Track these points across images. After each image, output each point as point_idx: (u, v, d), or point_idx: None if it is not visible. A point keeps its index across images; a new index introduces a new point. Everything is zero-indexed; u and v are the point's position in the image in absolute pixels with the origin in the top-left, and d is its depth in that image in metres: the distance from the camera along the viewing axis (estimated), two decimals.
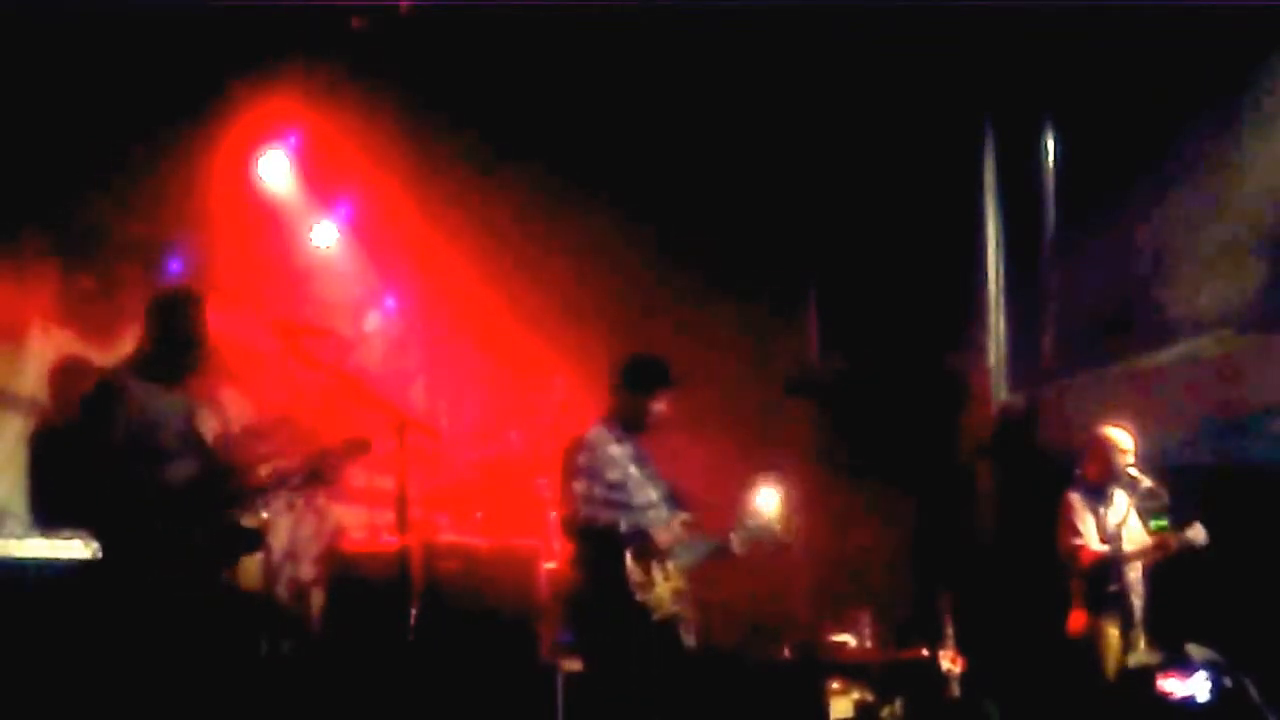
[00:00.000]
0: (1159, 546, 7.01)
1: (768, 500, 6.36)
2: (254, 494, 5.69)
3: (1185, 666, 6.83)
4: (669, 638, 6.03)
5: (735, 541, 6.24)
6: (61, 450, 6.23)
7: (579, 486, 6.02)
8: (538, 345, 9.07)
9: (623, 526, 5.96)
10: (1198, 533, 6.91)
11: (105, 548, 5.32)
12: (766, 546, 6.36)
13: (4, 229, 7.23)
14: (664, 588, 6.00)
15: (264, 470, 5.70)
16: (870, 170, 9.19)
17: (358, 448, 5.65)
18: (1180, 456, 7.72)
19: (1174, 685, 6.80)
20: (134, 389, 5.43)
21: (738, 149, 9.08)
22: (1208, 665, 6.79)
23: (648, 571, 5.95)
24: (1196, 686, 6.77)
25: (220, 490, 5.48)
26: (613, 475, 6.06)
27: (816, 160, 9.29)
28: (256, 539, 5.89)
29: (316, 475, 5.70)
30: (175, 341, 5.57)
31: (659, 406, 6.21)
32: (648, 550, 5.96)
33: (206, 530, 5.37)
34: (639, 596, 5.89)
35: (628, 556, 5.90)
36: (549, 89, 8.67)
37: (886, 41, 8.53)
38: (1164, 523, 7.10)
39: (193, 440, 5.53)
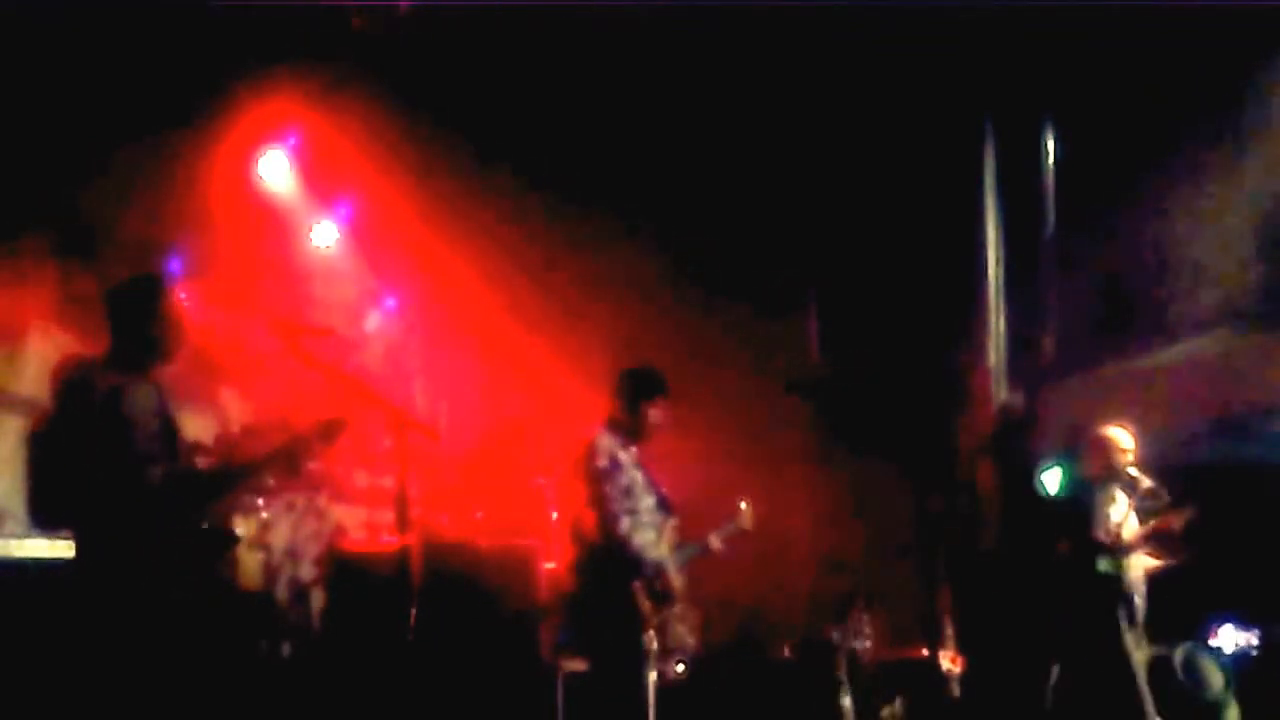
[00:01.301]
0: (1159, 529, 6.97)
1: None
2: (231, 485, 5.62)
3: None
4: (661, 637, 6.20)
5: (713, 541, 6.66)
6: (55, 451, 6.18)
7: (609, 490, 6.10)
8: (538, 346, 9.07)
9: (635, 542, 6.05)
10: (1193, 512, 6.92)
11: (82, 547, 5.22)
12: (737, 538, 6.81)
13: (3, 230, 7.23)
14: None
15: (238, 461, 5.64)
16: (871, 171, 9.19)
17: (332, 429, 5.38)
18: (1180, 456, 7.72)
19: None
20: (106, 385, 5.28)
21: (738, 150, 9.07)
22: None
23: (656, 605, 6.13)
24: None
25: (197, 487, 5.40)
26: (624, 481, 6.16)
27: (817, 161, 9.29)
28: (229, 541, 5.81)
29: (292, 460, 5.46)
30: (137, 333, 5.26)
31: (655, 415, 6.30)
32: (657, 591, 6.10)
33: (182, 531, 5.27)
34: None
35: (639, 590, 6.03)
36: (550, 91, 8.67)
37: (887, 42, 8.53)
38: None
39: (168, 438, 5.43)
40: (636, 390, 6.30)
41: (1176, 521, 6.92)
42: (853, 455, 9.33)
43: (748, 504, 6.87)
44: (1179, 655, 6.83)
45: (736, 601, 8.57)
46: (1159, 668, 6.91)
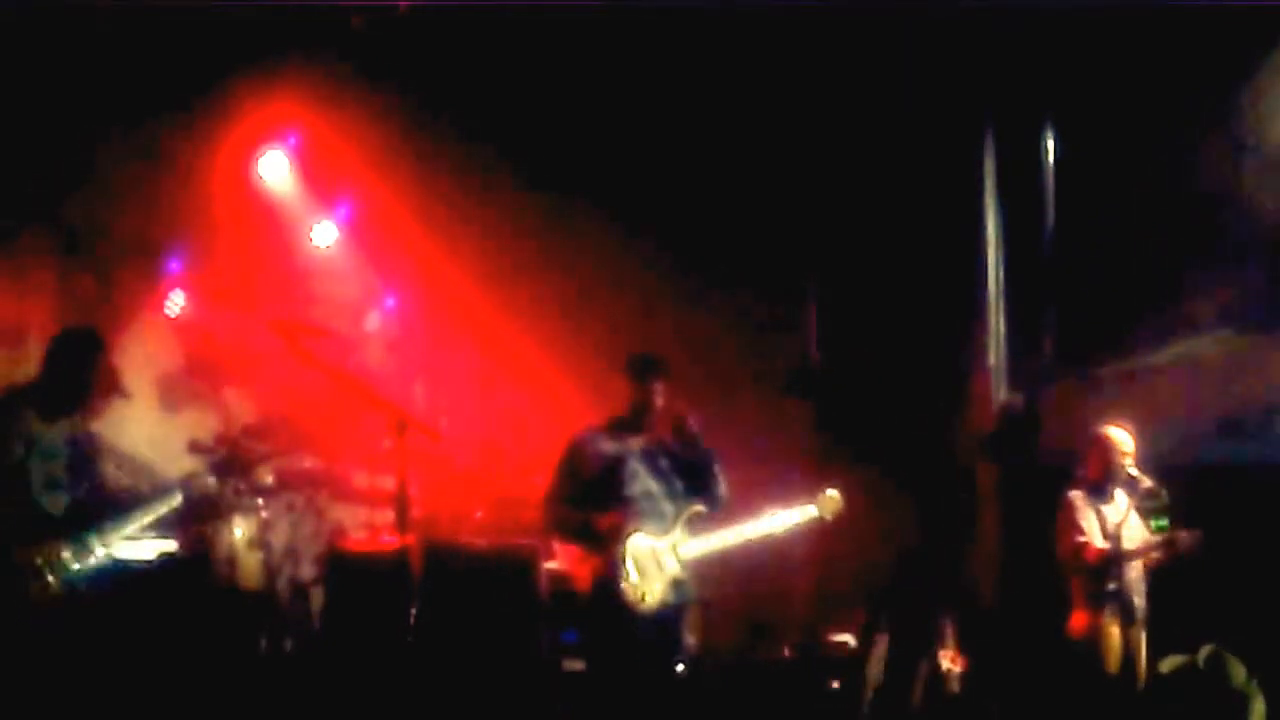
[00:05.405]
0: (1167, 544, 6.96)
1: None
2: (132, 517, 5.74)
3: None
4: (663, 633, 6.13)
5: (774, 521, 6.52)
6: None
7: (554, 488, 6.27)
8: (537, 346, 9.07)
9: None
10: (1198, 536, 6.91)
11: None
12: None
13: (4, 230, 7.25)
14: (659, 577, 6.10)
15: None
16: (870, 170, 9.19)
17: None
18: (1180, 456, 7.71)
19: None
20: (25, 416, 5.56)
21: (737, 149, 9.08)
22: None
23: (638, 565, 6.09)
24: None
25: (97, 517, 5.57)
26: (593, 473, 6.20)
27: (816, 160, 9.29)
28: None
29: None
30: (68, 382, 5.68)
31: (656, 397, 6.32)
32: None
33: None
34: (622, 586, 6.02)
35: (625, 548, 6.03)
36: (548, 89, 8.68)
37: (887, 41, 8.54)
38: (1164, 523, 7.08)
39: (80, 469, 5.63)
40: (633, 376, 6.35)
41: (1185, 543, 6.90)
42: (852, 455, 9.32)
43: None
44: (1202, 656, 6.79)
45: (736, 601, 8.56)
46: (1183, 672, 6.88)
